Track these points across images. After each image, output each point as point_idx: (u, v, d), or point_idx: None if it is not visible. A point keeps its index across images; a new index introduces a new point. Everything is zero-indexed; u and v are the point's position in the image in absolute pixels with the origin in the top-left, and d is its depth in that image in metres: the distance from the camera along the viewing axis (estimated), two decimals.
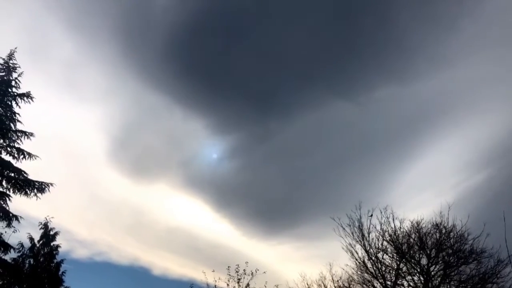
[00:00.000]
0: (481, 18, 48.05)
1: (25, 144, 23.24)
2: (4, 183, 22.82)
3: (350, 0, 52.46)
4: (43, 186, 23.31)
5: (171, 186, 63.45)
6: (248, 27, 55.10)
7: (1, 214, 22.56)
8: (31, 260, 25.49)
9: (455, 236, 21.96)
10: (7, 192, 22.84)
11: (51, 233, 26.45)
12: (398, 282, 22.93)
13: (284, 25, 54.50)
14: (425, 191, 42.33)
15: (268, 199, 58.35)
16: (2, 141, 22.96)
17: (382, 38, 52.33)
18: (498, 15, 47.58)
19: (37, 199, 23.24)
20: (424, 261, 22.31)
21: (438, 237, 22.29)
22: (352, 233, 24.06)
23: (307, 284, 24.64)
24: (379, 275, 22.94)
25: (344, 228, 24.31)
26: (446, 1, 49.24)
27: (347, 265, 24.07)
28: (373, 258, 23.34)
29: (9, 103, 23.30)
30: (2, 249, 22.63)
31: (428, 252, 22.11)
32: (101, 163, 59.98)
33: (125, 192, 61.07)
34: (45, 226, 26.45)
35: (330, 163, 58.62)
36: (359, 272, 23.81)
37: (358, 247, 23.78)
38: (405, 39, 51.63)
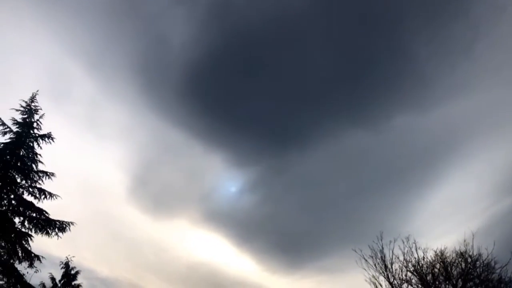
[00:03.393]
0: (496, 40, 47.95)
1: (46, 183, 23.66)
2: (26, 223, 23.06)
3: (365, 31, 53.21)
4: (64, 225, 23.46)
5: (191, 221, 63.57)
6: (267, 61, 56.25)
7: (23, 254, 22.76)
8: None
9: (482, 265, 21.27)
10: (29, 232, 23.06)
11: (72, 272, 26.64)
12: None
13: (302, 57, 55.40)
14: (448, 218, 41.53)
15: (290, 232, 57.63)
16: (24, 182, 23.29)
17: (399, 67, 52.61)
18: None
19: (58, 239, 23.45)
20: None
21: (463, 267, 21.60)
22: (375, 265, 23.58)
23: None
24: None
25: (366, 260, 23.86)
26: (460, 26, 49.42)
27: None
28: None
29: (31, 144, 23.73)
30: None
31: (454, 282, 21.39)
32: (122, 201, 60.47)
33: (146, 229, 61.07)
34: (66, 266, 26.66)
35: (350, 192, 58.01)
36: None
37: (382, 279, 23.28)
38: (420, 67, 51.81)
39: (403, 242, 23.36)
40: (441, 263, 22.27)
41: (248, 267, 53.95)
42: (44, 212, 23.11)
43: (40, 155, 23.68)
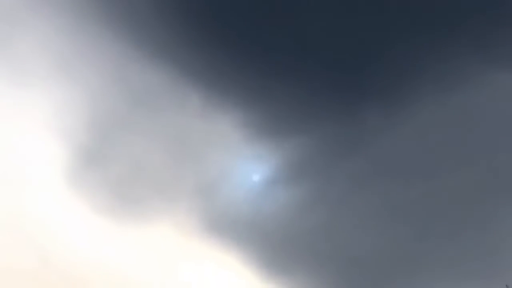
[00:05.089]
0: None
1: None
2: None
3: None
4: None
5: (181, 231, 39.55)
6: None
7: None
8: None
9: None
10: None
11: None
12: None
13: None
14: None
15: (361, 258, 33.86)
16: None
17: None
18: None
19: None
20: None
21: None
22: None
23: None
24: None
25: None
26: None
27: None
28: None
29: None
30: None
31: None
32: (55, 193, 37.00)
33: (98, 242, 37.28)
34: None
35: (479, 187, 33.40)
36: None
37: None
38: None
39: None
40: None
41: None
42: None
43: None
